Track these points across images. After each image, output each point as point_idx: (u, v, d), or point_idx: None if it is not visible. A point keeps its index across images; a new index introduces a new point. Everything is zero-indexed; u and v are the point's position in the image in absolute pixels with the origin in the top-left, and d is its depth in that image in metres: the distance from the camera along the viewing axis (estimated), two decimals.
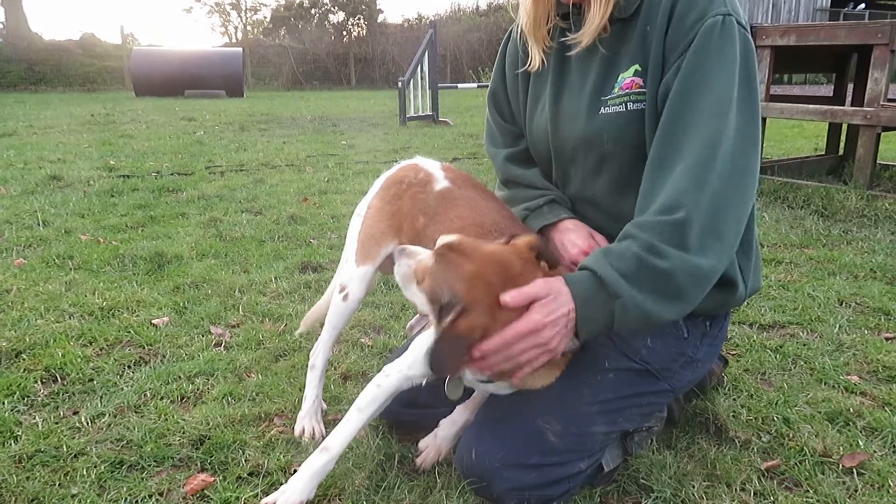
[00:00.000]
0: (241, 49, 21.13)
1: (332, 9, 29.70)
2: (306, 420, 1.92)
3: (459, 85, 15.95)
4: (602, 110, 1.61)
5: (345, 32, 29.76)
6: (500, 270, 1.37)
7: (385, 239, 1.92)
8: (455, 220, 1.76)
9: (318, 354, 2.01)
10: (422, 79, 10.93)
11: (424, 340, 1.60)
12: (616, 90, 1.59)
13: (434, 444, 1.75)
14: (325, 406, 2.02)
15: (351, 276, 1.94)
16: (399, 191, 1.93)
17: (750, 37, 1.50)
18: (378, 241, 1.92)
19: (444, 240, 1.44)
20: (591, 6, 1.57)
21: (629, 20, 1.57)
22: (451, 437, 1.76)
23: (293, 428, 1.92)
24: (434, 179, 1.90)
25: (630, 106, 1.57)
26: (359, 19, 29.93)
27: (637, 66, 1.56)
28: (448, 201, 1.86)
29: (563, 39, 1.68)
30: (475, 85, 16.65)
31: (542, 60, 1.74)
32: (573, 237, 1.68)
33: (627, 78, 1.58)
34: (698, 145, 1.42)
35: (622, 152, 1.61)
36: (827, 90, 7.86)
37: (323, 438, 1.70)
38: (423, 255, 1.47)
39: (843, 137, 6.17)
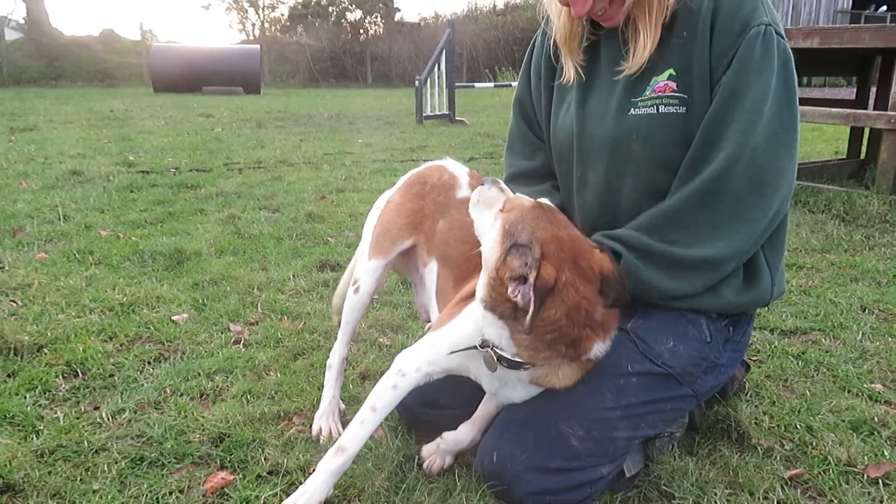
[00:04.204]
0: (258, 46, 21.24)
1: (350, 7, 29.74)
2: (323, 420, 1.92)
3: (476, 84, 15.92)
4: (632, 111, 1.62)
5: (361, 30, 29.81)
6: (574, 249, 1.41)
7: (401, 235, 1.92)
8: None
9: (335, 354, 2.01)
10: (439, 77, 10.91)
11: (441, 335, 1.59)
12: (648, 92, 1.60)
13: (438, 453, 1.74)
14: (343, 406, 2.02)
15: (362, 270, 1.94)
16: (422, 190, 1.93)
17: (788, 46, 1.52)
18: (393, 237, 1.92)
19: (545, 201, 1.51)
20: (640, 32, 1.57)
21: (665, 25, 1.57)
22: (453, 453, 1.75)
23: (311, 427, 1.92)
24: (458, 185, 1.90)
25: (662, 108, 1.58)
26: (376, 17, 29.97)
27: (671, 71, 1.57)
28: None
29: (617, 68, 1.66)
30: (492, 84, 16.62)
31: (578, 71, 1.74)
32: None
33: (661, 81, 1.58)
34: (728, 147, 1.51)
35: (649, 154, 1.61)
36: (847, 93, 7.78)
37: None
38: (517, 195, 1.53)
39: (864, 141, 6.10)
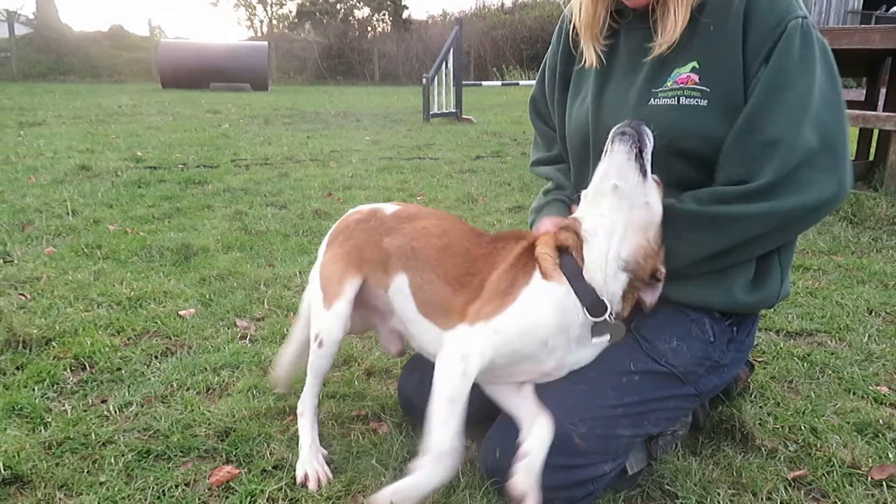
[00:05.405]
0: (266, 43, 21.31)
1: (358, 4, 29.80)
2: (308, 465, 1.71)
3: (483, 83, 15.90)
4: (652, 101, 1.62)
5: (369, 28, 29.89)
6: None
7: (346, 276, 1.81)
8: (431, 227, 1.77)
9: (307, 402, 1.86)
10: (446, 76, 10.92)
11: (505, 320, 1.52)
12: (669, 83, 1.59)
13: None
14: (325, 451, 1.81)
15: (323, 321, 1.79)
16: (348, 233, 1.88)
17: (825, 40, 1.53)
18: (339, 280, 1.81)
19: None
20: (670, 10, 1.56)
21: (693, 12, 1.57)
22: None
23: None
24: (382, 209, 1.90)
25: (683, 100, 1.57)
26: (384, 15, 30.02)
27: (695, 63, 1.56)
28: (410, 215, 1.85)
29: (647, 45, 1.65)
30: (499, 83, 16.61)
31: (600, 57, 1.73)
32: (546, 221, 1.81)
33: (683, 73, 1.57)
34: (782, 145, 1.48)
35: (667, 145, 1.59)
36: (856, 94, 7.72)
37: (329, 482, 1.65)
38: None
39: (873, 142, 6.06)
